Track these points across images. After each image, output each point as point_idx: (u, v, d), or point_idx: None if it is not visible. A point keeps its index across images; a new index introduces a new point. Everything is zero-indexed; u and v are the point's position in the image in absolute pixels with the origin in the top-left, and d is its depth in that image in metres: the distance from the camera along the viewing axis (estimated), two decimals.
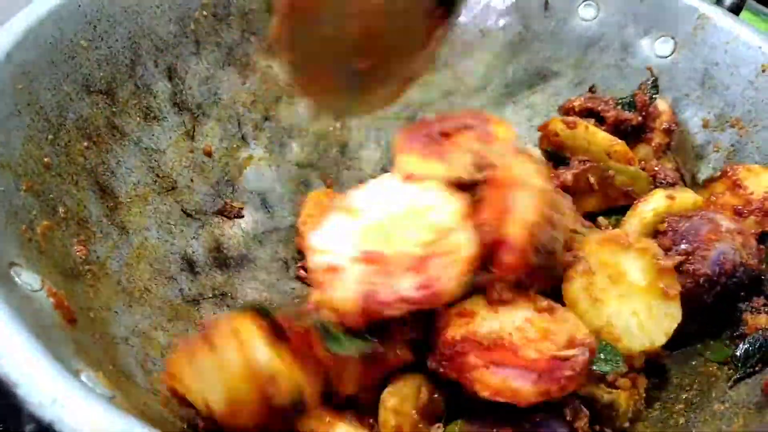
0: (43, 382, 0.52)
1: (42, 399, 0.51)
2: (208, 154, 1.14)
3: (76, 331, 0.69)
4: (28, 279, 0.67)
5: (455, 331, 0.72)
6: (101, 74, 0.97)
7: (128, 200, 0.98)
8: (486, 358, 0.68)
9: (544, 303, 0.75)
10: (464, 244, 0.72)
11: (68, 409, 0.50)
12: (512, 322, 0.72)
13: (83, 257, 0.84)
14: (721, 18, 1.10)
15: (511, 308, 0.73)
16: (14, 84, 0.80)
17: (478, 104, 1.24)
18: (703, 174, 1.10)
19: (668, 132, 1.08)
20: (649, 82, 1.11)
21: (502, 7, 1.31)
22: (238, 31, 1.21)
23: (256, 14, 1.22)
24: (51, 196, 0.83)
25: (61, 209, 0.84)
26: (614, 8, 1.22)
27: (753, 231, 0.91)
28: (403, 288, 0.68)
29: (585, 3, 1.25)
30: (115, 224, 0.94)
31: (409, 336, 0.75)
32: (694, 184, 1.08)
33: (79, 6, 0.93)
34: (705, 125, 1.10)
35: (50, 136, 0.85)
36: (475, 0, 1.32)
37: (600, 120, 1.08)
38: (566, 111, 1.14)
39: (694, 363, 0.88)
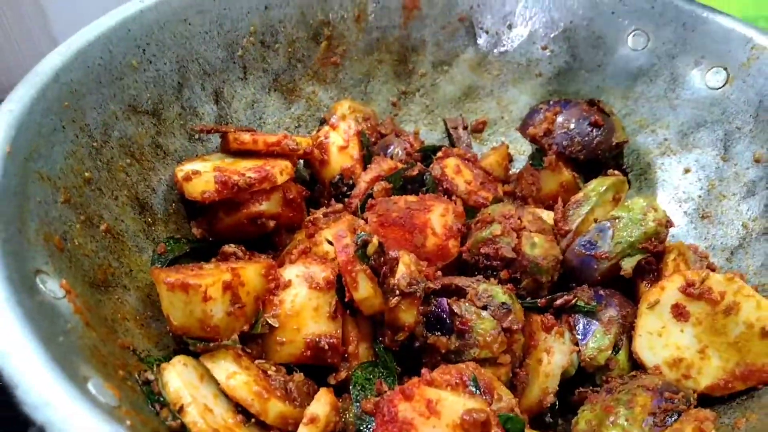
0: (41, 386, 0.53)
1: (37, 401, 0.52)
2: None
3: (95, 339, 0.71)
4: (52, 287, 0.70)
5: (405, 409, 0.68)
6: (148, 95, 1.01)
7: (166, 217, 1.01)
8: None
9: None
10: None
11: (60, 414, 0.51)
12: None
13: (115, 269, 0.87)
14: None
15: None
16: (61, 102, 0.85)
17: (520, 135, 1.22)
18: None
19: None
20: None
21: (548, 36, 1.29)
22: (284, 58, 1.25)
23: (303, 42, 1.25)
24: (89, 209, 0.86)
25: (98, 222, 0.87)
26: (664, 38, 1.18)
27: None
28: None
29: (634, 32, 1.21)
30: (151, 239, 0.97)
31: None
32: None
33: (129, 31, 0.97)
34: (757, 160, 1.04)
35: (93, 152, 0.90)
36: (519, 29, 1.31)
37: None
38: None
39: None
